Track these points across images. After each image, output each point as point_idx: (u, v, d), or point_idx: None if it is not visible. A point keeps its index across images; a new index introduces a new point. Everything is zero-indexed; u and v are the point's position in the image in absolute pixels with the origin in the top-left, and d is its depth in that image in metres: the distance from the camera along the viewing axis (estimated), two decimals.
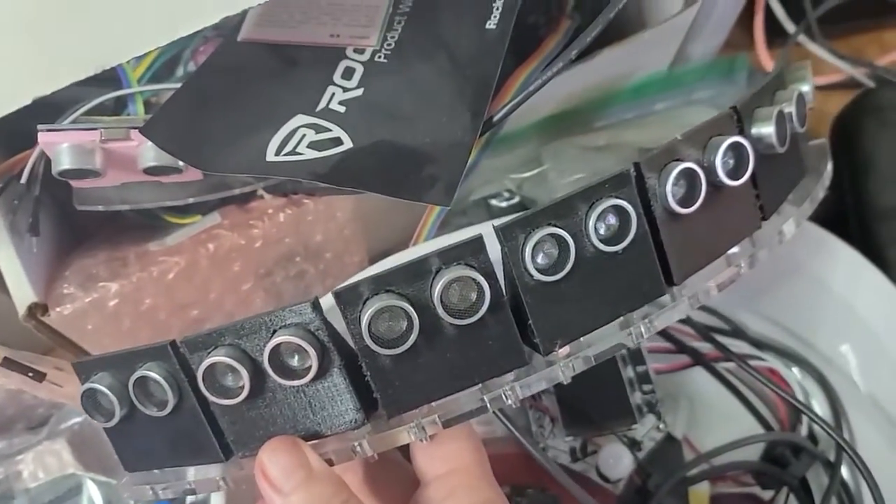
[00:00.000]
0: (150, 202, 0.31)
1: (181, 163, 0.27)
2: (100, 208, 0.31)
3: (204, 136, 0.26)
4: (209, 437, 0.22)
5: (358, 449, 0.22)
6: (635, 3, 0.39)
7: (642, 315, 0.23)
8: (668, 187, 0.22)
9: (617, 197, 0.21)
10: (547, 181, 0.38)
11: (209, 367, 0.20)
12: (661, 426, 0.35)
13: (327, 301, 0.21)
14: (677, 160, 0.22)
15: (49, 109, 0.31)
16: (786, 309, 0.39)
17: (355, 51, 0.29)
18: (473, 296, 0.20)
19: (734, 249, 0.25)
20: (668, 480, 0.33)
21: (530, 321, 0.21)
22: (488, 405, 0.21)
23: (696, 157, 0.23)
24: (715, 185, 0.23)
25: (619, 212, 0.21)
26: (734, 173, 0.23)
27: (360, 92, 0.27)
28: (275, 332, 0.20)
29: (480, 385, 0.22)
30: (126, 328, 0.31)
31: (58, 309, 0.29)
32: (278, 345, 0.20)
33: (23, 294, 0.29)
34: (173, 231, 0.34)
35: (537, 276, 0.21)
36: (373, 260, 0.34)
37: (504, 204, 0.41)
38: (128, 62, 0.33)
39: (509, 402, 0.21)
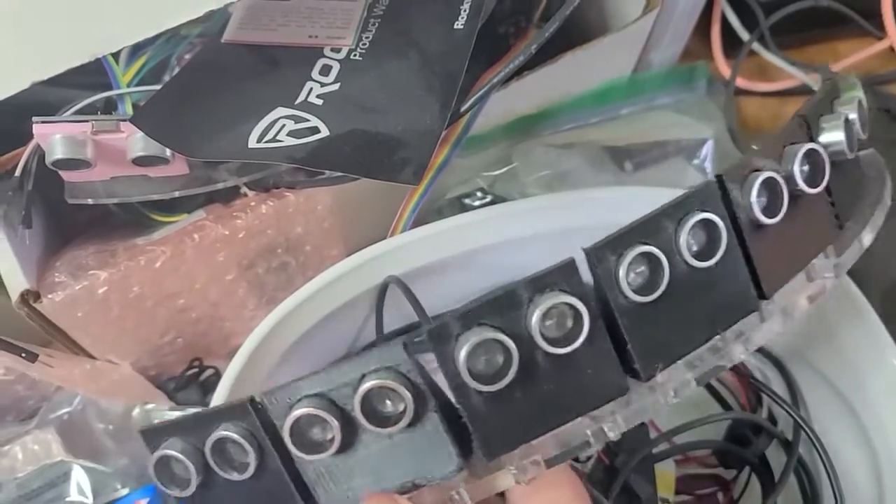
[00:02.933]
0: (138, 196, 0.33)
1: (168, 152, 0.28)
2: (90, 201, 0.32)
3: (189, 126, 0.28)
4: (295, 498, 0.20)
5: (456, 497, 0.20)
6: (597, 11, 0.42)
7: (736, 333, 0.22)
8: (753, 198, 0.21)
9: (705, 210, 0.21)
10: (516, 178, 0.40)
11: (295, 421, 0.19)
12: None
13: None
14: (756, 170, 0.22)
15: (44, 111, 0.32)
16: None
17: (332, 50, 0.31)
18: (570, 322, 0.19)
19: (819, 261, 0.25)
20: (634, 458, 0.35)
21: (629, 345, 0.20)
22: (591, 441, 0.20)
23: (773, 166, 0.23)
24: (794, 193, 0.23)
25: (708, 226, 0.21)
26: (812, 180, 0.23)
27: (336, 87, 0.29)
28: (364, 376, 0.19)
29: (582, 418, 0.20)
30: (115, 315, 0.32)
31: (49, 296, 0.31)
32: (369, 390, 0.19)
33: (16, 282, 0.31)
34: (161, 228, 0.35)
35: (633, 296, 0.20)
36: (350, 252, 0.35)
37: (477, 203, 0.43)
38: (118, 66, 0.35)
39: (612, 434, 0.20)
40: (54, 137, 0.28)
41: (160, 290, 0.33)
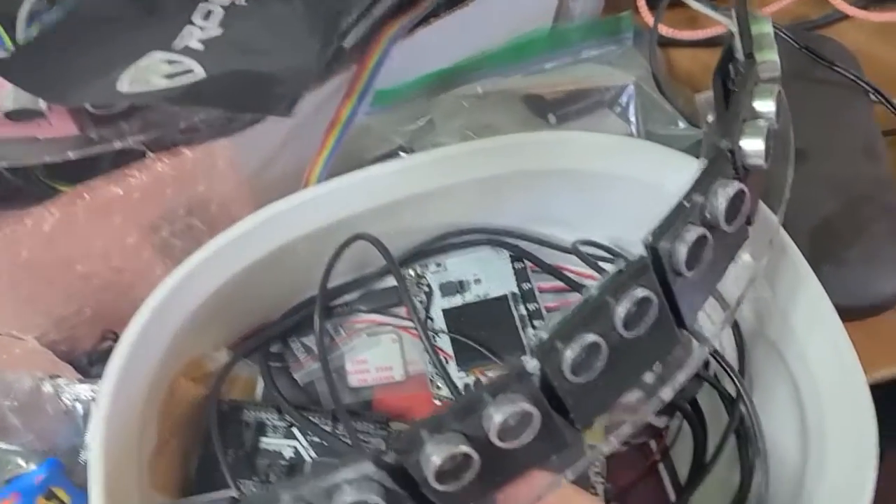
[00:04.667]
0: (29, 159, 0.32)
1: (42, 104, 0.27)
2: None
3: (60, 74, 0.27)
4: None
5: None
6: None
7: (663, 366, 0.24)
8: (682, 259, 0.23)
9: (641, 286, 0.22)
10: (433, 131, 0.39)
11: None
12: None
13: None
14: (689, 223, 0.23)
15: None
16: None
17: None
18: (523, 424, 0.21)
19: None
20: None
21: (571, 415, 0.22)
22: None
23: (699, 213, 0.24)
24: (716, 232, 0.24)
25: (643, 301, 0.22)
26: (732, 218, 0.25)
27: (219, 32, 0.28)
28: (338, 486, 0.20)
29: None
30: (4, 283, 0.31)
31: None
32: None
33: None
34: None
35: (575, 379, 0.21)
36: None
37: None
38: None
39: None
40: None
41: (54, 256, 0.32)
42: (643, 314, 0.22)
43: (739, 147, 0.26)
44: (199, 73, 0.26)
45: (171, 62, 0.27)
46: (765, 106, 0.28)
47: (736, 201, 0.25)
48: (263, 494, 0.21)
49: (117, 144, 0.33)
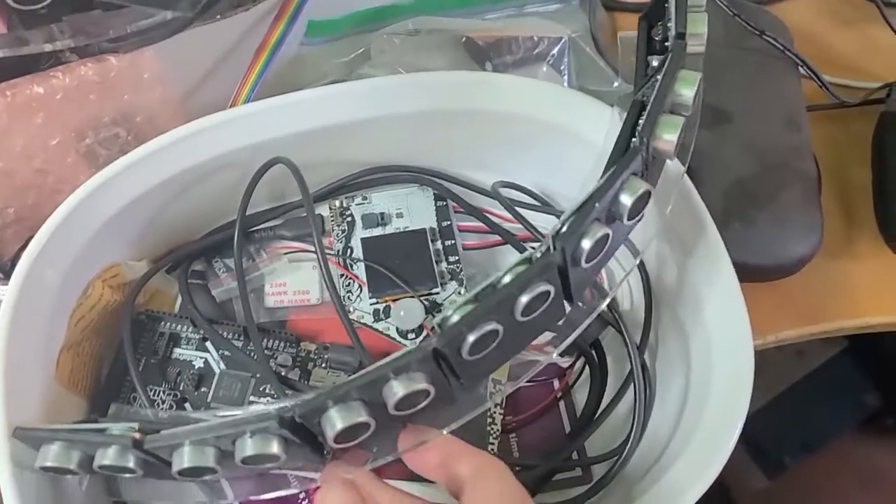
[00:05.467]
0: None
1: None
2: None
3: None
4: None
5: None
6: None
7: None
8: (583, 258, 0.24)
9: (544, 281, 0.23)
10: (370, 61, 0.40)
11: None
12: (462, 291, 0.38)
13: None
14: (595, 220, 0.25)
15: None
16: None
17: None
18: (420, 398, 0.23)
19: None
20: None
21: (461, 380, 0.24)
22: None
23: (606, 204, 0.25)
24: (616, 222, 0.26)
25: (543, 293, 0.24)
26: (634, 216, 0.26)
27: None
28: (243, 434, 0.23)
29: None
30: None
31: None
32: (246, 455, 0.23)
33: None
34: None
35: (470, 358, 0.23)
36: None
37: None
38: None
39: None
40: None
41: None
42: (540, 304, 0.24)
43: (654, 142, 0.28)
44: None
45: None
46: (686, 92, 0.29)
47: (640, 202, 0.26)
48: (168, 437, 0.23)
49: (47, 47, 0.34)
